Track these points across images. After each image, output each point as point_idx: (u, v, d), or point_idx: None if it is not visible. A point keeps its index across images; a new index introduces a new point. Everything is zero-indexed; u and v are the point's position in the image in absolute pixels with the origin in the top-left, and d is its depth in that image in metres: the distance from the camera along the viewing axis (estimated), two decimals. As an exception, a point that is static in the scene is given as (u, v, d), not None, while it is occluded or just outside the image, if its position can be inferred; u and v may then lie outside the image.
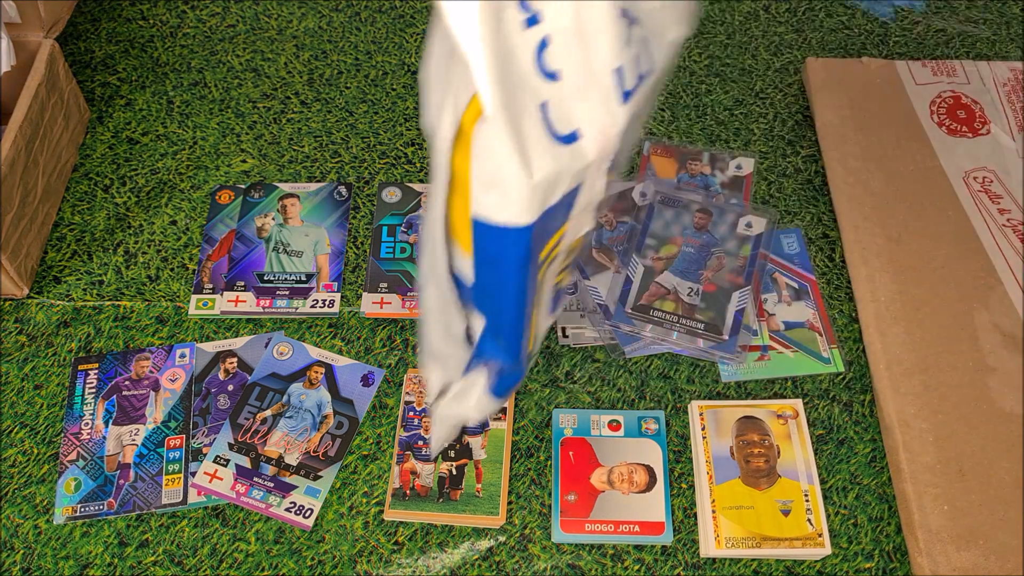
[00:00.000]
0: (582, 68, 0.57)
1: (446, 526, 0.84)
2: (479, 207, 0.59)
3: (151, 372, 0.92)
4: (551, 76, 0.56)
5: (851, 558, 0.83)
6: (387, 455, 0.87)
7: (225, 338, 0.95)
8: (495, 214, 0.58)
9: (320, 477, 0.86)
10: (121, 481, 0.85)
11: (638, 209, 1.02)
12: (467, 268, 0.64)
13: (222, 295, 0.97)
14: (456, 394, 0.78)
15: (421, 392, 0.90)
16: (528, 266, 0.63)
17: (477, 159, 0.57)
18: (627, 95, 0.60)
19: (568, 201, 0.63)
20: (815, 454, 0.88)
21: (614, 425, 0.89)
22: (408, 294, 0.96)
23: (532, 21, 0.54)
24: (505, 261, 0.62)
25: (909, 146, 1.06)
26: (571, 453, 0.87)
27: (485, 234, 0.60)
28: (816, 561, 0.83)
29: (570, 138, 0.59)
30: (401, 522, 0.84)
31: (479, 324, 0.70)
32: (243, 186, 1.06)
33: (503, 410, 0.89)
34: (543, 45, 0.55)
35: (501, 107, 0.53)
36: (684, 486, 0.87)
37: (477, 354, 0.72)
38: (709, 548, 0.82)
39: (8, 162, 0.90)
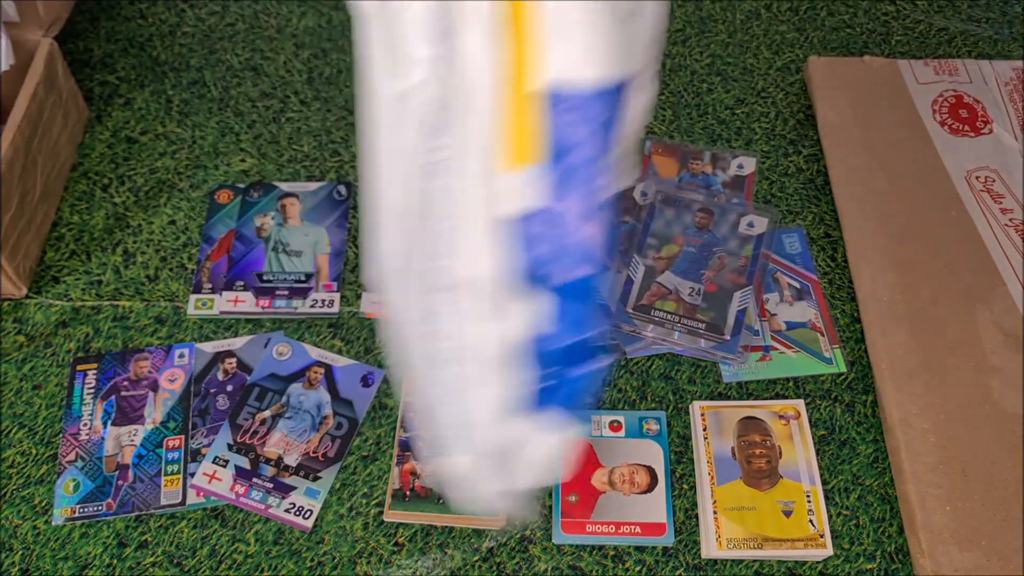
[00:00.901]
0: None
1: (446, 527, 0.84)
2: (555, 68, 0.46)
3: (150, 372, 0.91)
4: None
5: (853, 559, 0.83)
6: (387, 456, 0.87)
7: (224, 338, 0.94)
8: (580, 70, 0.46)
9: (320, 478, 0.85)
10: (120, 482, 0.85)
11: (639, 208, 1.02)
12: (529, 189, 0.49)
13: (221, 295, 0.96)
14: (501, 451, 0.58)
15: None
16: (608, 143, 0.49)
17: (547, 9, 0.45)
18: None
19: (621, 96, 0.50)
20: (817, 455, 0.87)
21: (615, 426, 0.89)
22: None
23: None
24: (585, 144, 0.48)
25: (911, 145, 1.05)
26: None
27: (566, 107, 0.46)
28: (818, 562, 0.82)
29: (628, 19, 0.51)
30: (401, 523, 0.84)
31: (540, 308, 0.52)
32: (242, 185, 1.05)
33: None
34: None
35: None
36: (685, 487, 0.86)
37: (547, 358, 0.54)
38: (710, 549, 0.82)
39: (7, 162, 0.90)
